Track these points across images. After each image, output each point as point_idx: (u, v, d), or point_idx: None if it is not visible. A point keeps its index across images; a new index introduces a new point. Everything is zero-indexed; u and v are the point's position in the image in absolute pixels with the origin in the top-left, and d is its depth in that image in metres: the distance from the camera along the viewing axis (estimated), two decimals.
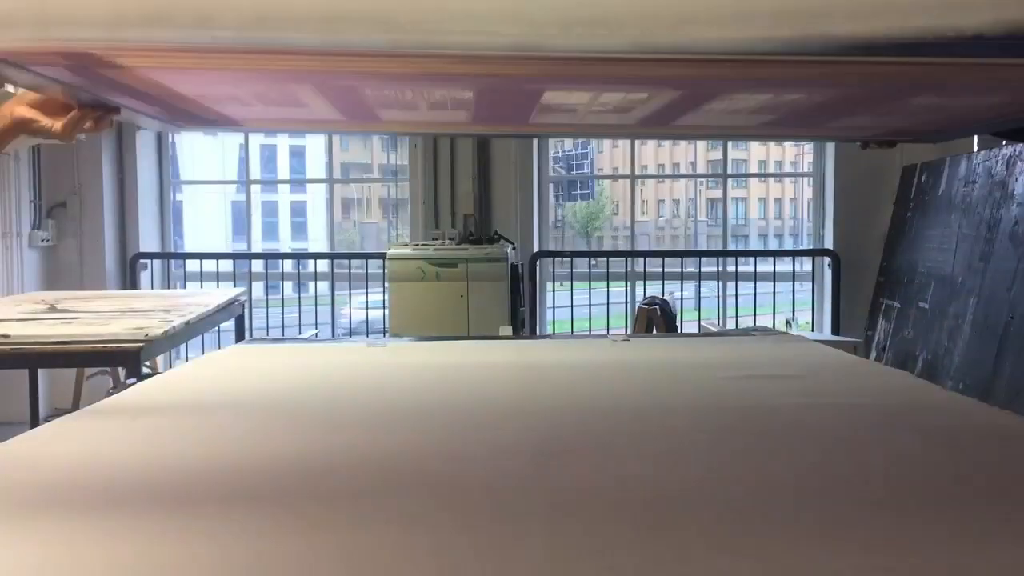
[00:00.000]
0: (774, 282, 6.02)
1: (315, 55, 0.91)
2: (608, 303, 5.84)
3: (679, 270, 5.93)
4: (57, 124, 1.29)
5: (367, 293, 6.06)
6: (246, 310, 4.44)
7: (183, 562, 0.76)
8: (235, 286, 5.78)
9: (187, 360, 4.45)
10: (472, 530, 0.85)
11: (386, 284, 5.32)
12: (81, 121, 1.29)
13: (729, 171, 6.64)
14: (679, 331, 4.88)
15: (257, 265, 6.13)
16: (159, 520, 0.87)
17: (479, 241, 5.46)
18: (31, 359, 2.44)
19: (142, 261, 5.86)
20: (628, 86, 1.16)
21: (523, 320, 5.47)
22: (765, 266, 5.99)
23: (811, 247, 5.97)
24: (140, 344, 2.35)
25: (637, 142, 6.41)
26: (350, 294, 5.94)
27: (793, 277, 5.87)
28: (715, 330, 4.54)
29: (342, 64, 0.98)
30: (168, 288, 5.97)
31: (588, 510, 0.91)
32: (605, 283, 5.93)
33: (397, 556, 0.78)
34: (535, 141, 5.81)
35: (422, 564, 0.76)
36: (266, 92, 1.28)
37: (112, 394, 1.70)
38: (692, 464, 1.10)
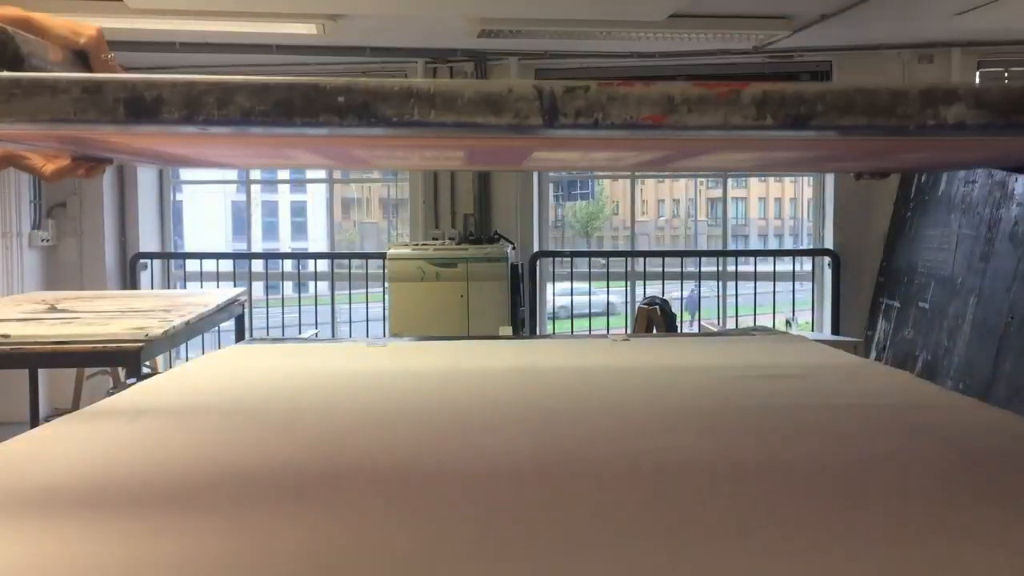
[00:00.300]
0: (774, 282, 6.03)
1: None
2: (608, 303, 5.84)
3: (679, 270, 5.94)
4: (49, 167, 1.28)
5: (367, 294, 6.07)
6: (246, 310, 4.45)
7: (183, 561, 0.76)
8: (235, 286, 5.78)
9: (187, 360, 4.45)
10: (473, 530, 0.85)
11: (386, 284, 5.32)
12: (74, 171, 1.29)
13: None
14: (679, 331, 4.88)
15: (257, 265, 6.14)
16: (159, 520, 0.87)
17: (479, 241, 5.47)
18: (31, 359, 2.44)
19: (142, 261, 5.86)
20: (616, 150, 1.19)
21: (523, 320, 5.47)
22: (765, 266, 6.00)
23: (811, 247, 5.98)
24: (140, 344, 2.35)
25: None
26: (350, 294, 5.94)
27: (793, 277, 5.87)
28: (715, 330, 4.54)
29: (333, 140, 1.01)
30: (168, 288, 5.97)
31: (588, 509, 0.91)
32: (605, 283, 5.93)
33: (397, 555, 0.78)
34: None
35: (422, 564, 0.76)
36: (260, 152, 1.31)
37: (112, 394, 1.70)
38: (691, 464, 1.10)
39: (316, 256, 7.01)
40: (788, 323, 5.79)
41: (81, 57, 1.09)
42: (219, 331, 4.37)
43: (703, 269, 5.83)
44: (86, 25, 1.11)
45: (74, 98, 0.74)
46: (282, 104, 0.75)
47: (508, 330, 4.88)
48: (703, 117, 0.74)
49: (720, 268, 5.87)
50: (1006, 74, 5.59)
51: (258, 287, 6.05)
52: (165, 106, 0.74)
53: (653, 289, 5.65)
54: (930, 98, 0.74)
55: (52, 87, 0.74)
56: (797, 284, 5.87)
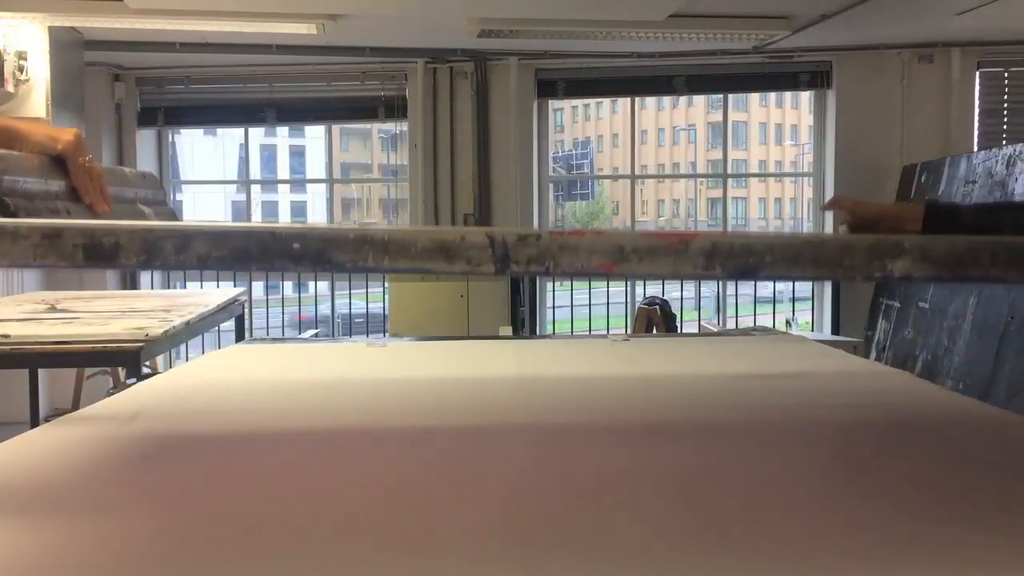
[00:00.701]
0: (774, 282, 6.02)
1: None
2: (608, 303, 5.84)
3: None
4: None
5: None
6: (246, 310, 4.44)
7: (181, 562, 0.76)
8: (235, 286, 5.78)
9: (187, 360, 4.45)
10: (473, 530, 0.85)
11: (386, 284, 5.32)
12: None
13: (729, 171, 6.64)
14: (679, 331, 4.88)
15: None
16: (158, 520, 0.87)
17: None
18: (31, 359, 2.43)
19: None
20: None
21: (523, 320, 5.47)
22: None
23: None
24: (140, 344, 2.35)
25: (637, 141, 6.41)
26: (350, 294, 5.94)
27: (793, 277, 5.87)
28: (715, 330, 4.54)
29: None
30: (168, 288, 5.97)
31: (587, 509, 0.91)
32: (605, 283, 5.93)
33: (396, 553, 0.78)
34: (535, 140, 5.83)
35: (419, 563, 0.76)
36: None
37: (112, 394, 1.70)
38: (691, 464, 1.10)
39: None
40: (788, 323, 5.79)
41: (60, 162, 1.09)
42: (219, 331, 4.37)
43: None
44: (63, 131, 1.12)
45: (34, 244, 0.74)
46: (239, 251, 0.75)
47: (508, 330, 4.88)
48: (652, 266, 0.76)
49: None
50: (1006, 74, 5.59)
51: (258, 287, 6.05)
52: (123, 252, 0.74)
53: (653, 289, 5.64)
54: (877, 252, 0.76)
55: (12, 233, 0.74)
56: (797, 284, 5.87)
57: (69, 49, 4.82)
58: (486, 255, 0.75)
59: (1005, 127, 5.62)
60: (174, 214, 1.48)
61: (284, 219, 14.27)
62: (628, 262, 0.75)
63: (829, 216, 5.73)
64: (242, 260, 0.74)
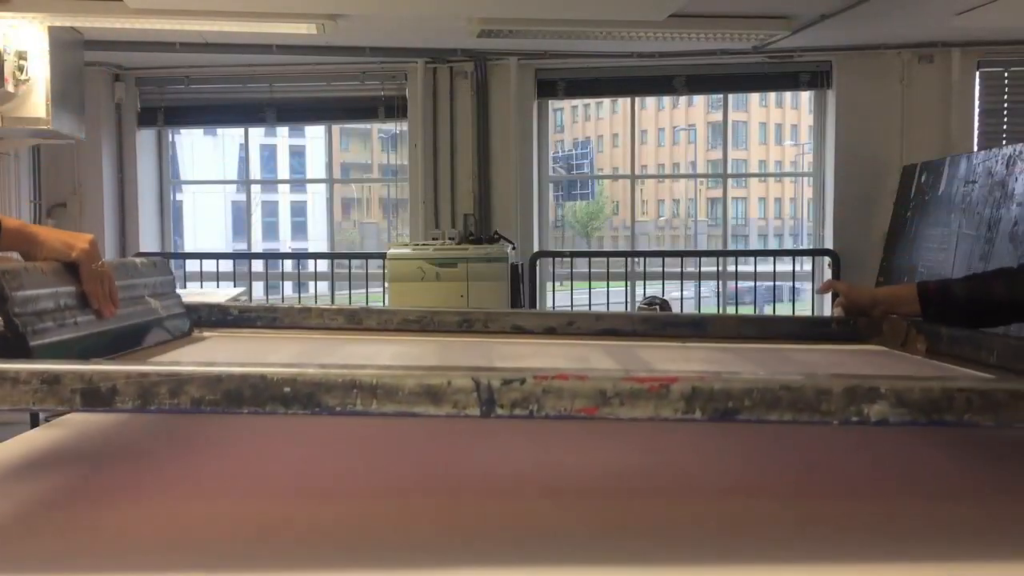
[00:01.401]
0: (774, 282, 6.02)
1: None
2: (608, 303, 5.84)
3: (679, 270, 5.94)
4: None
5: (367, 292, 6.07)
6: None
7: (182, 561, 0.76)
8: (235, 286, 5.78)
9: None
10: (472, 530, 0.85)
11: (386, 284, 5.32)
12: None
13: (729, 171, 6.64)
14: None
15: (257, 265, 6.13)
16: (157, 519, 0.87)
17: (479, 241, 5.47)
18: None
19: None
20: None
21: None
22: (765, 266, 6.00)
23: (811, 247, 5.98)
24: None
25: (637, 141, 6.42)
26: (350, 294, 5.95)
27: (793, 277, 5.87)
28: None
29: None
30: None
31: (587, 507, 0.91)
32: (605, 283, 5.93)
33: (396, 559, 0.78)
34: (535, 140, 5.83)
35: (420, 567, 0.76)
36: None
37: None
38: (691, 464, 1.11)
39: (316, 256, 7.00)
40: None
41: (73, 267, 1.12)
42: None
43: (703, 269, 5.83)
44: (79, 237, 1.14)
45: (33, 389, 0.76)
46: (231, 394, 0.77)
47: None
48: (634, 410, 0.78)
49: (720, 268, 5.87)
50: (1006, 74, 5.60)
51: (258, 287, 6.05)
52: (119, 396, 0.76)
53: (653, 289, 5.65)
54: (853, 396, 0.78)
55: (13, 379, 0.76)
56: (797, 284, 5.86)
57: (69, 49, 4.83)
58: (472, 399, 0.77)
59: (1005, 127, 5.62)
60: (180, 302, 1.59)
61: (284, 219, 14.27)
62: (610, 406, 0.78)
63: (829, 216, 5.74)
64: (235, 403, 0.77)
